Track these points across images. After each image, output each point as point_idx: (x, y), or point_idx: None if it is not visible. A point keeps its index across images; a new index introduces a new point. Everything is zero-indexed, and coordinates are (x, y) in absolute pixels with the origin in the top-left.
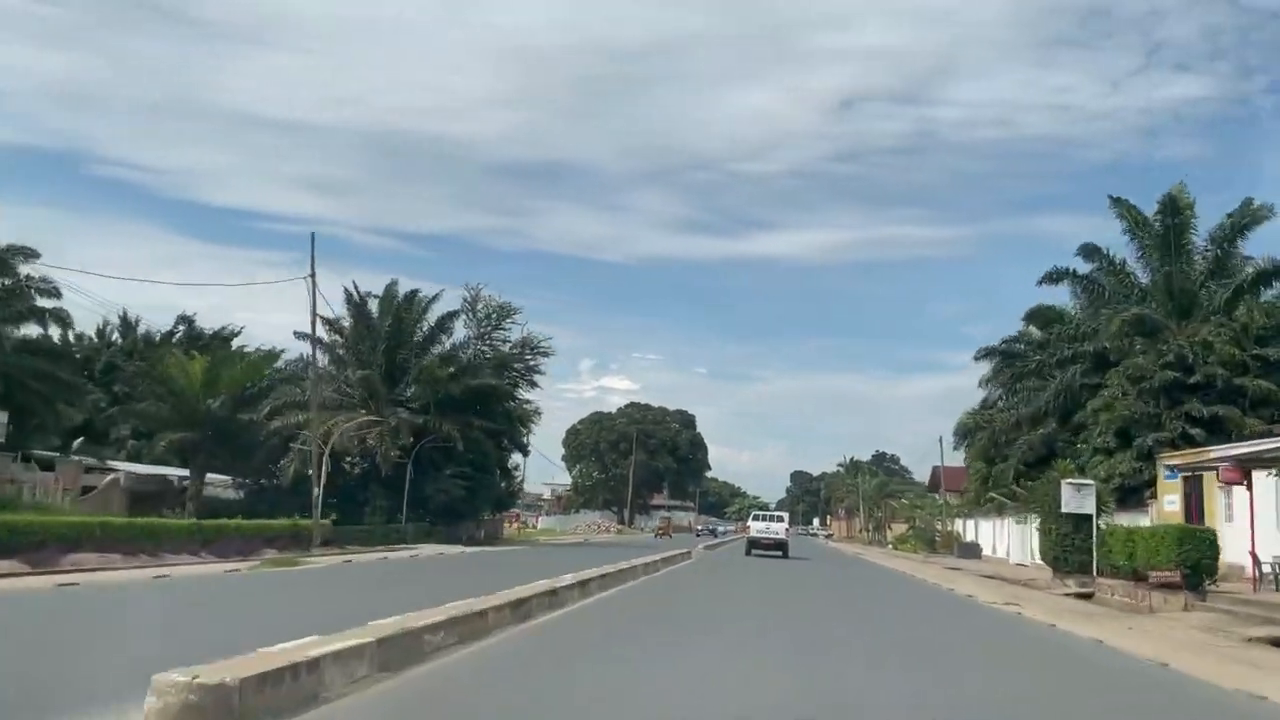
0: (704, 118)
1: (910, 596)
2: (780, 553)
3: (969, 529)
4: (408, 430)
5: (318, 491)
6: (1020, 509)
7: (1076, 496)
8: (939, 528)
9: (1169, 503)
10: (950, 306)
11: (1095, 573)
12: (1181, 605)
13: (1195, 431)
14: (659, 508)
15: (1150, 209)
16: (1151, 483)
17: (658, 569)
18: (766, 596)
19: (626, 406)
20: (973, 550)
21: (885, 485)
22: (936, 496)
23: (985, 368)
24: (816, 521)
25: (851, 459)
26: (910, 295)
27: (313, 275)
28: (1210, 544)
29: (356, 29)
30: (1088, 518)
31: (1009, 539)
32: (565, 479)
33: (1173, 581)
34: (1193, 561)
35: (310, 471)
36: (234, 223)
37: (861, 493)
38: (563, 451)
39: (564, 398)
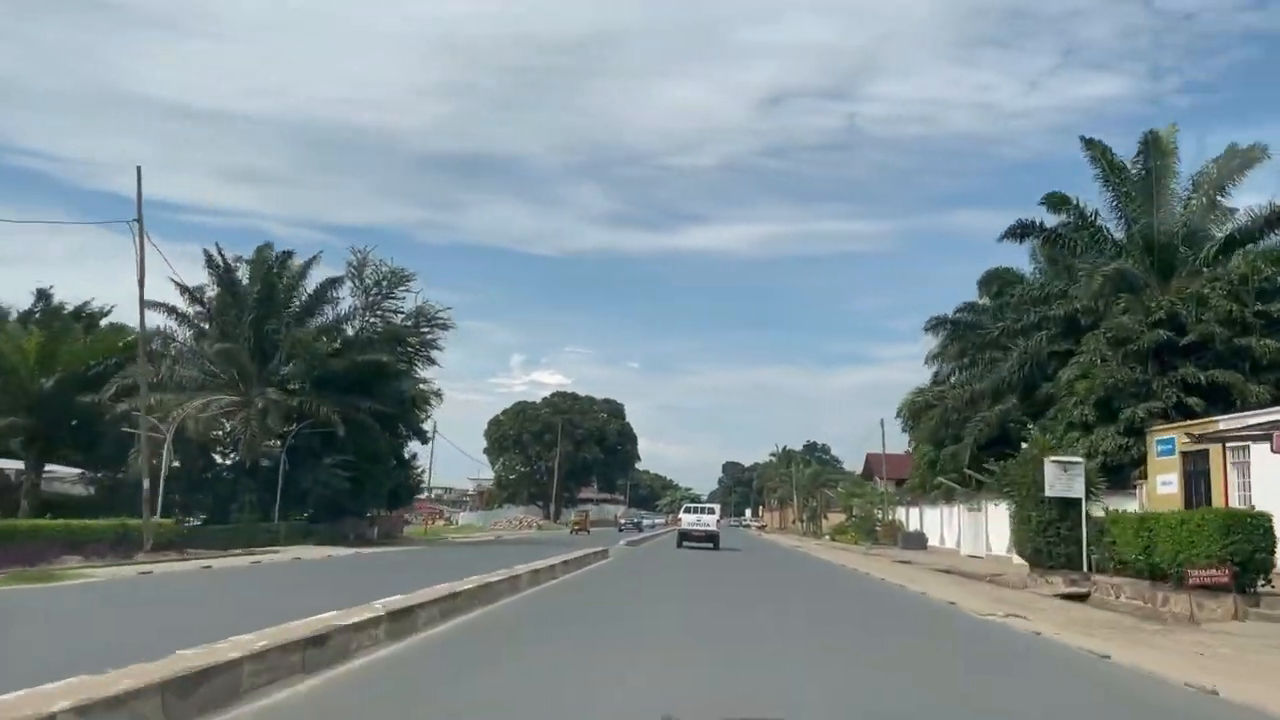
0: (635, 111)
1: (878, 608)
2: (711, 544)
3: (912, 518)
4: (278, 414)
5: (146, 484)
6: (971, 495)
7: (1063, 478)
8: (879, 517)
9: (1164, 483)
10: (876, 300)
11: (1087, 568)
12: (1229, 612)
13: (1192, 400)
14: (587, 501)
15: (1088, 203)
16: (1140, 461)
17: (554, 575)
18: (696, 623)
19: (552, 396)
20: (917, 541)
21: (819, 475)
22: (875, 484)
23: (932, 342)
24: (749, 513)
25: (784, 448)
26: (838, 289)
27: (139, 219)
28: (1266, 533)
29: (279, 17)
30: (1075, 502)
31: (959, 528)
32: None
33: (1218, 581)
34: (1244, 556)
35: (173, 463)
36: (153, 214)
37: (795, 482)
38: (485, 444)
39: (495, 392)
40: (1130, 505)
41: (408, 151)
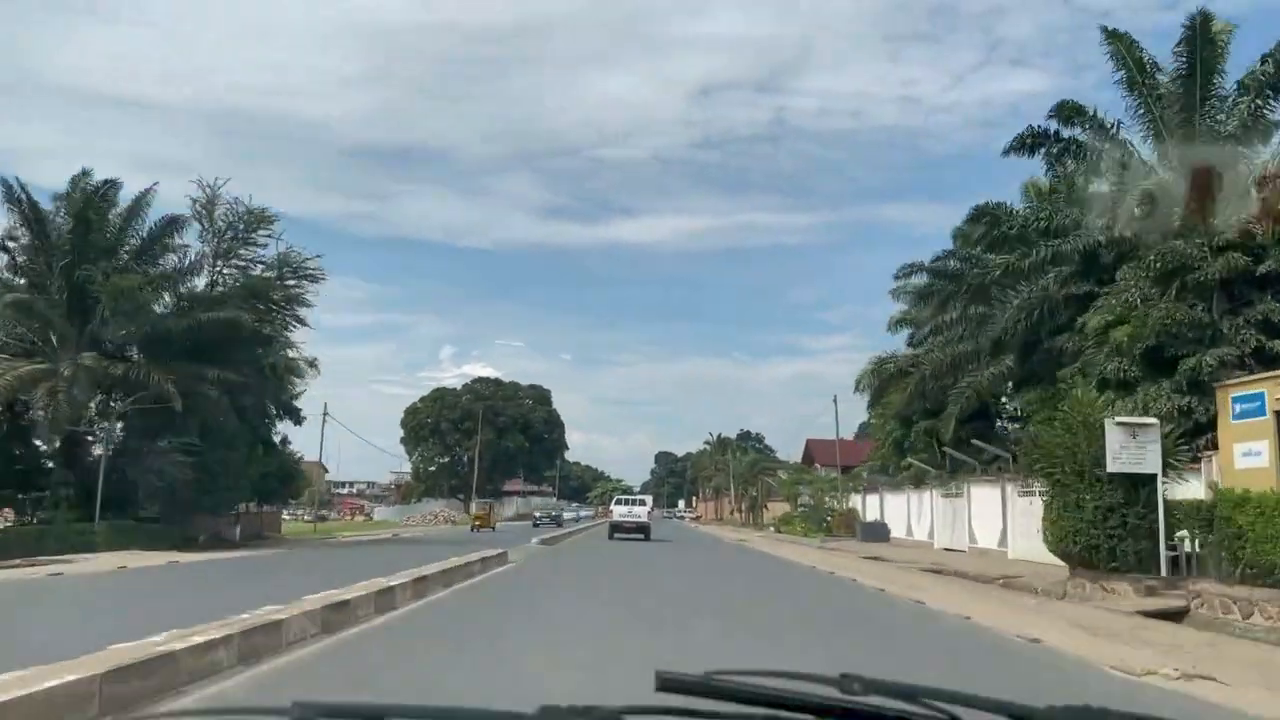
0: (566, 102)
1: (901, 641)
2: (643, 535)
3: (870, 506)
4: (88, 382)
5: None
6: (946, 479)
7: (1131, 446)
8: (832, 505)
9: (1247, 454)
10: (807, 292)
11: (1167, 570)
12: None
13: (1278, 345)
14: (514, 494)
15: (1107, 114)
16: (1205, 426)
17: (405, 599)
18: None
19: (474, 382)
20: (879, 532)
21: (757, 463)
22: (818, 471)
23: (896, 306)
24: (682, 504)
25: (718, 436)
26: (769, 281)
27: None
28: None
29: (199, 3)
30: (1147, 480)
31: (932, 517)
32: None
33: None
34: None
35: None
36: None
37: (732, 471)
38: (402, 434)
39: (423, 385)
40: (1193, 485)
41: (334, 141)
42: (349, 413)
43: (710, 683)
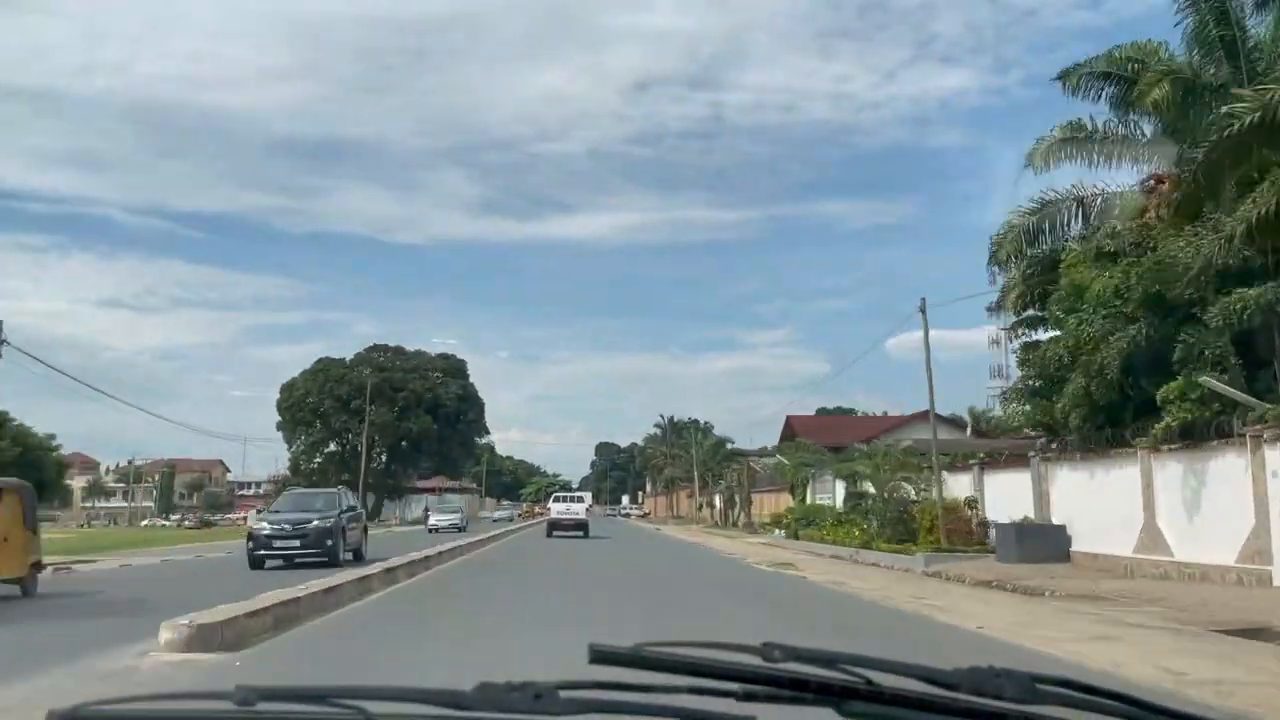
0: (499, 96)
1: None
2: (581, 533)
3: (992, 492)
4: None
5: None
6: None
7: None
8: (917, 495)
9: None
10: (742, 287)
11: None
12: None
13: None
14: (424, 490)
15: None
16: None
17: None
18: None
19: (368, 350)
20: (1047, 542)
21: (722, 446)
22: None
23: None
24: (626, 499)
25: (670, 419)
26: (705, 276)
27: None
28: None
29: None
30: None
31: (1168, 512)
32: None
33: None
34: None
35: None
36: None
37: (696, 457)
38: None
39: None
40: None
41: (260, 135)
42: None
43: (640, 654)
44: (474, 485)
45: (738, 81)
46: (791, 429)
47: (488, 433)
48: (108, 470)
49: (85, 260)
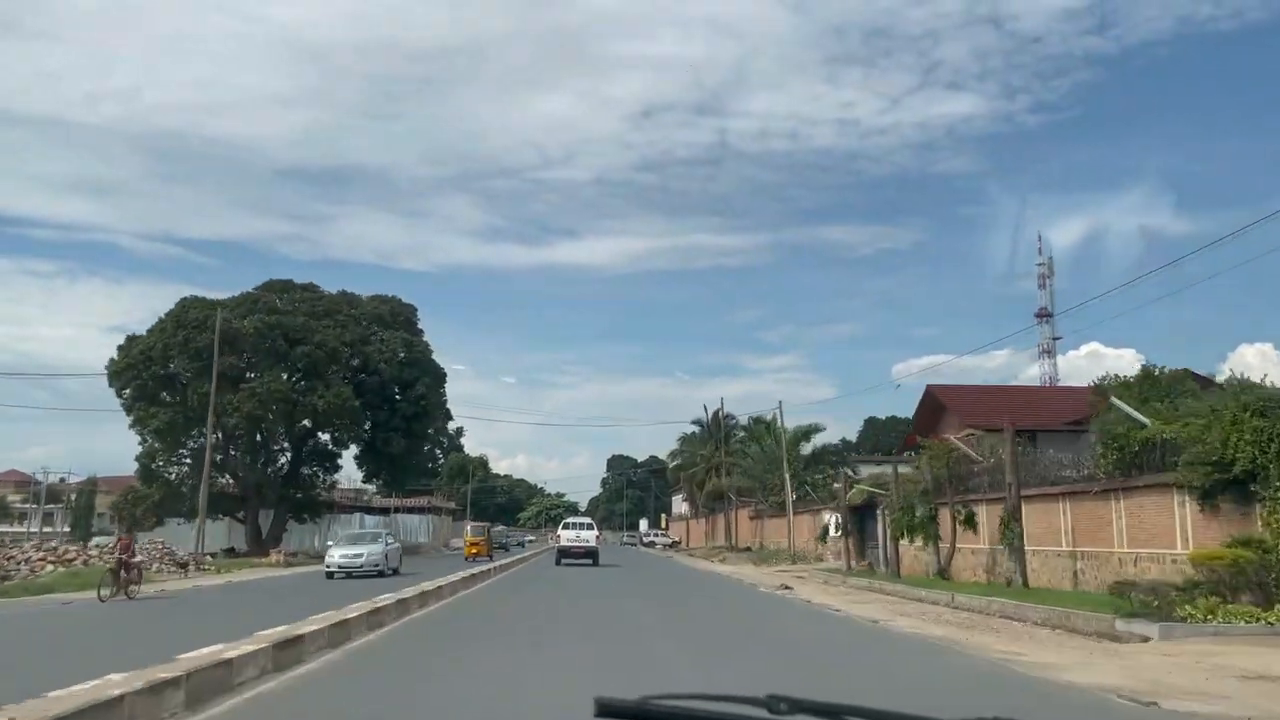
0: (505, 124)
1: None
2: (591, 560)
3: None
4: None
5: None
6: None
7: None
8: None
9: None
10: (748, 313)
11: None
12: None
13: None
14: (348, 509)
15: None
16: None
17: None
18: None
19: (260, 288)
20: None
21: (809, 434)
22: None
23: None
24: (645, 524)
25: (716, 412)
26: (711, 302)
27: None
28: None
29: (124, 19)
30: None
31: None
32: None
33: None
34: None
35: None
36: None
37: (784, 457)
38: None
39: None
40: None
41: (267, 162)
42: None
43: (646, 707)
44: (453, 505)
45: (743, 108)
46: (937, 400)
47: (449, 418)
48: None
49: (93, 286)
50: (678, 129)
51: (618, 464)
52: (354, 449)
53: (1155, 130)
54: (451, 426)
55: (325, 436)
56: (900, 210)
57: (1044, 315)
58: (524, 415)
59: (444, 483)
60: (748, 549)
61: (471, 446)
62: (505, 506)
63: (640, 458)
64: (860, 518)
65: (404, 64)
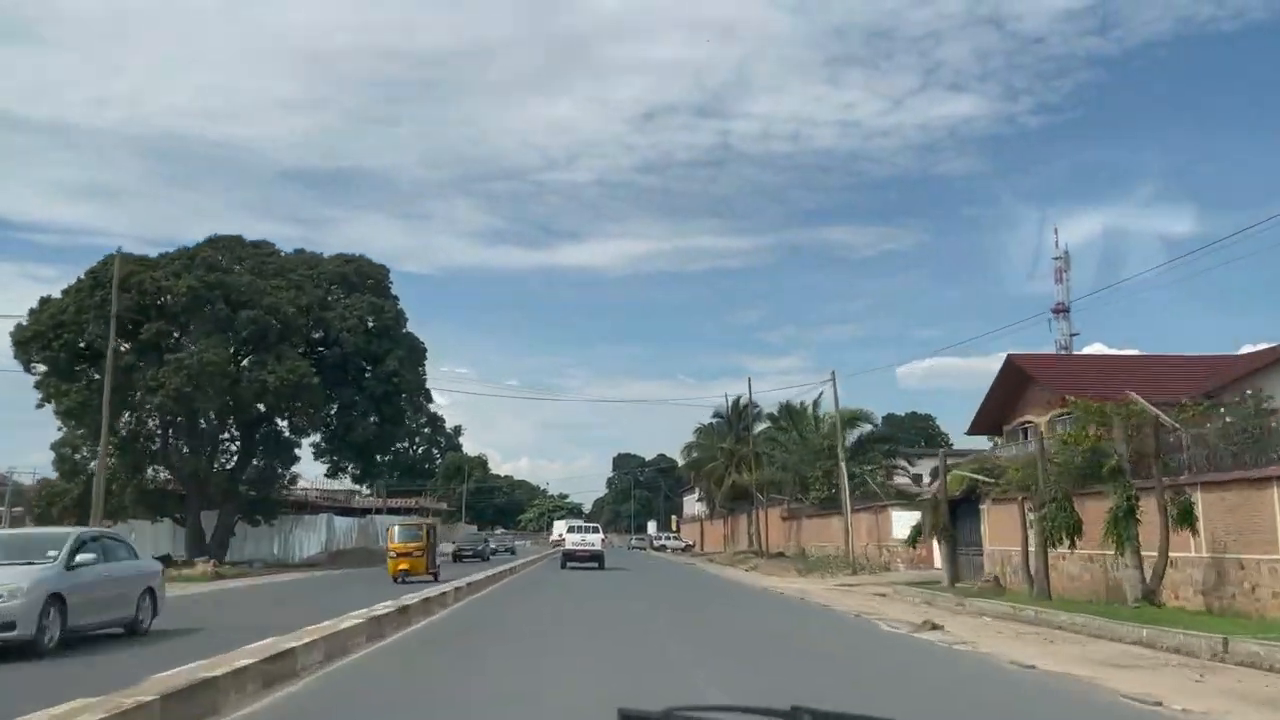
0: (507, 126)
1: None
2: (596, 564)
3: None
4: None
5: None
6: None
7: None
8: None
9: None
10: (749, 315)
11: None
12: None
13: None
14: (299, 508)
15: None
16: None
17: None
18: None
19: (203, 244)
20: None
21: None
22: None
23: None
24: (653, 526)
25: (737, 401)
26: (712, 303)
27: None
28: None
29: (126, 24)
30: None
31: None
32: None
33: None
34: None
35: None
36: None
37: (839, 440)
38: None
39: None
40: None
41: (269, 166)
42: None
43: (669, 718)
44: (445, 505)
45: (745, 110)
46: (1018, 378)
47: (429, 400)
48: None
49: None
50: (679, 131)
51: (624, 463)
52: (316, 437)
53: (1158, 131)
54: (450, 425)
55: (284, 423)
56: (902, 211)
57: (1061, 310)
58: (524, 414)
59: (440, 483)
60: (779, 554)
61: (472, 448)
62: (505, 508)
63: (648, 456)
64: (953, 514)
65: (407, 68)
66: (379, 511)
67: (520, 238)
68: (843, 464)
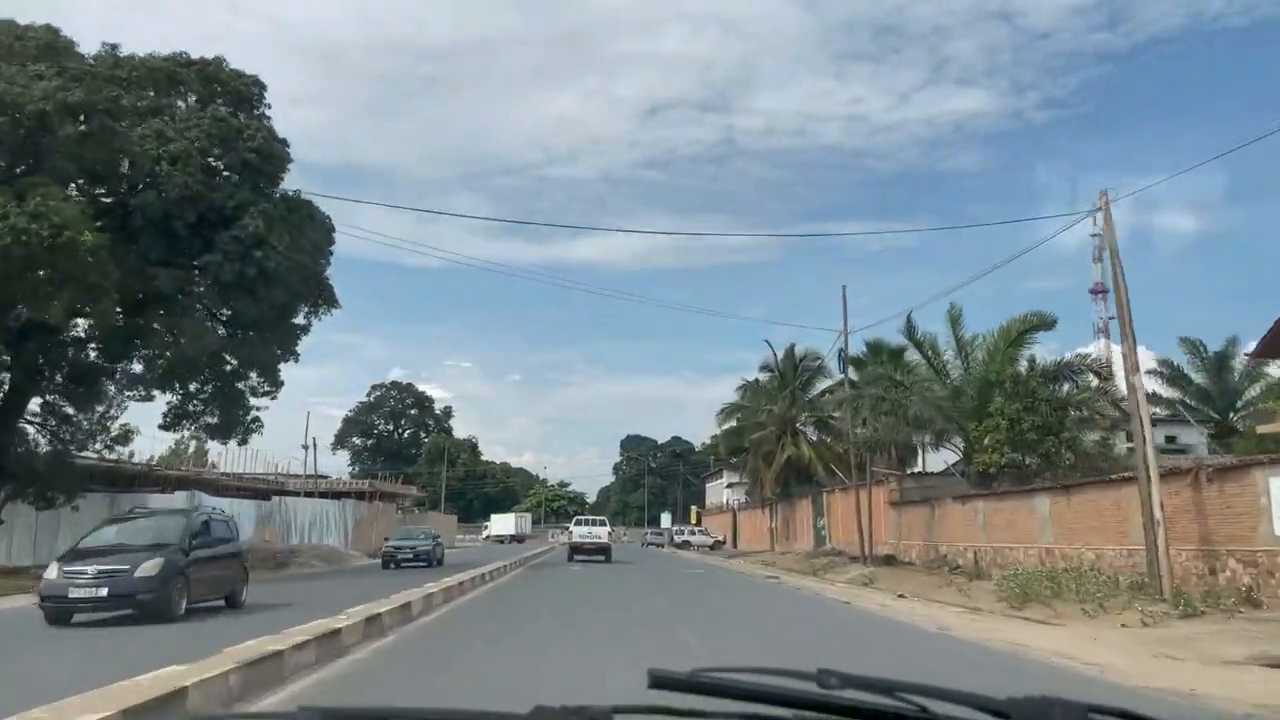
0: (513, 121)
1: None
2: (604, 557)
3: None
4: None
5: None
6: None
7: None
8: None
9: None
10: (754, 309)
11: None
12: None
13: None
14: (139, 481)
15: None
16: None
17: None
18: None
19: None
20: None
21: (1031, 330)
22: None
23: None
24: (668, 518)
25: (791, 348)
26: (716, 299)
27: None
28: None
29: (132, 18)
30: None
31: None
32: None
33: None
34: None
35: None
36: None
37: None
38: None
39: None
40: None
41: None
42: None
43: (697, 679)
44: (420, 492)
45: (750, 106)
46: None
47: (333, 303)
48: None
49: None
50: (684, 126)
51: (633, 445)
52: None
53: (1165, 126)
54: (439, 407)
55: (82, 334)
56: (908, 207)
57: (1099, 291)
58: (529, 413)
59: (424, 468)
60: (889, 558)
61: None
62: (497, 498)
63: (661, 439)
64: None
65: (411, 63)
66: (288, 494)
67: (524, 233)
68: (1134, 356)
